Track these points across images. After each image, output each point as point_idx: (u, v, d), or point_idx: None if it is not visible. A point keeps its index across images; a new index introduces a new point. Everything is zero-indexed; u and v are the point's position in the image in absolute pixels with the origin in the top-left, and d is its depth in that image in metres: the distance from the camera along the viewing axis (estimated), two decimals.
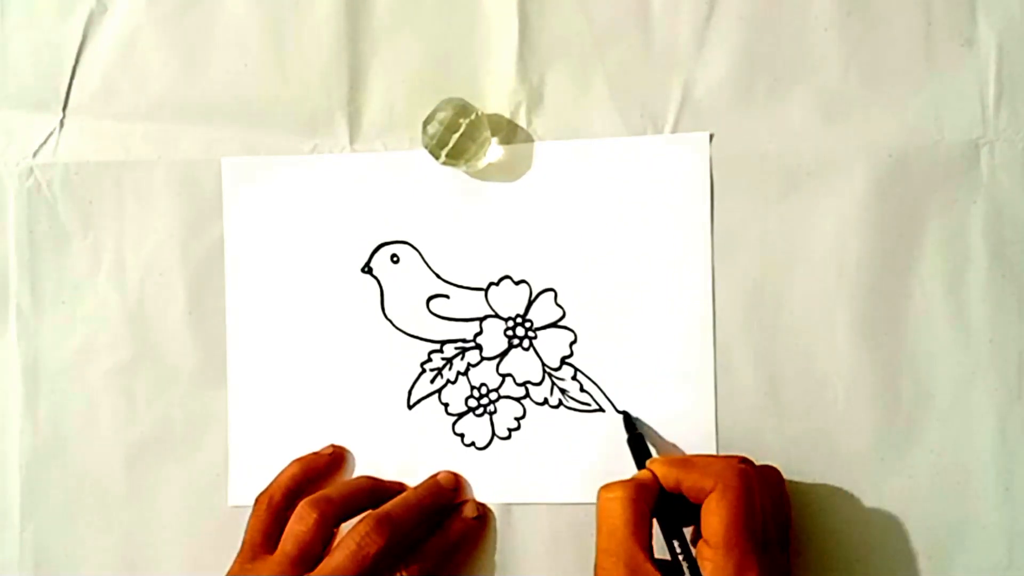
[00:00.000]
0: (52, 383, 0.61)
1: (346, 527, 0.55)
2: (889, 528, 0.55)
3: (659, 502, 0.51)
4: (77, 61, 0.61)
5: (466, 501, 0.58)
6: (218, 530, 0.58)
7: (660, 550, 0.50)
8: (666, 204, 0.57)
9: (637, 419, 0.57)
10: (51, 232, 0.61)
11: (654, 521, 0.51)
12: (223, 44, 0.60)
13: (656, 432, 0.56)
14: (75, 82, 0.61)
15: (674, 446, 0.56)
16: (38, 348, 0.61)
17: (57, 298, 0.61)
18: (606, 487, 0.51)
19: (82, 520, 0.61)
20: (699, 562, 0.48)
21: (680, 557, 0.49)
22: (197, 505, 0.60)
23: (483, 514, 0.58)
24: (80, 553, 0.61)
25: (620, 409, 0.57)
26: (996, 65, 0.55)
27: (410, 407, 0.59)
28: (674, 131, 0.57)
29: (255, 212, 0.60)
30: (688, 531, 0.51)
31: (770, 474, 0.52)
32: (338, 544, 0.53)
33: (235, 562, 0.55)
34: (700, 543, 0.49)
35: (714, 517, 0.48)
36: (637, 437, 0.56)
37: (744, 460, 0.51)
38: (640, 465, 0.54)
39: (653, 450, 0.56)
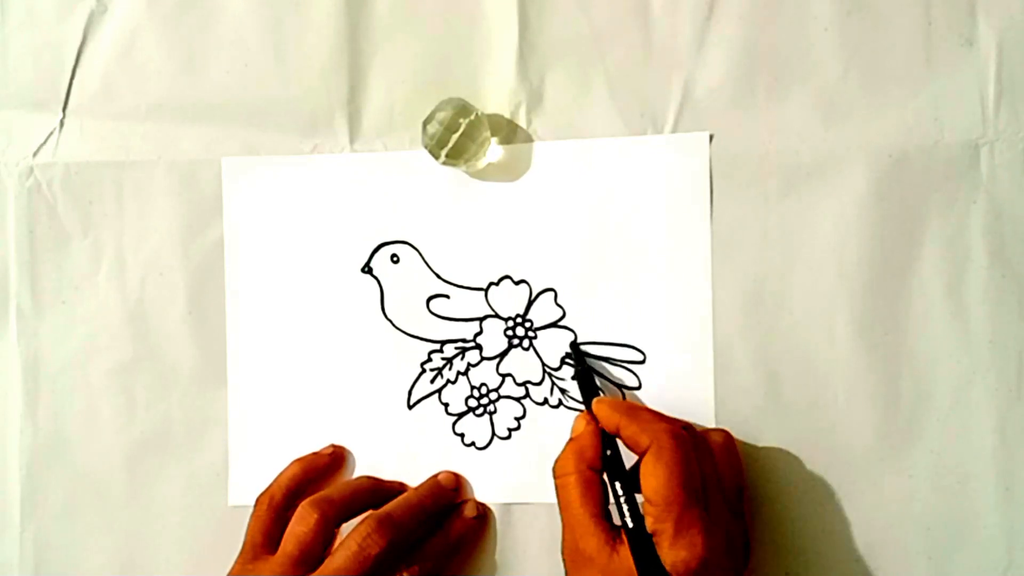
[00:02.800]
0: (52, 383, 0.61)
1: (347, 527, 0.55)
2: (889, 528, 0.55)
3: (604, 447, 0.52)
4: (77, 61, 0.61)
5: (466, 501, 0.58)
6: (218, 530, 0.58)
7: None
8: (666, 204, 0.57)
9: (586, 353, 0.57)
10: (51, 232, 0.61)
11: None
12: (223, 44, 0.60)
13: None
14: (75, 82, 0.61)
15: None
16: (38, 348, 0.61)
17: (57, 298, 0.61)
18: (557, 462, 0.52)
19: (82, 520, 0.61)
20: (645, 518, 0.48)
21: (621, 499, 0.49)
22: (197, 505, 0.60)
23: (483, 514, 0.58)
24: (80, 553, 0.61)
25: (573, 344, 0.57)
26: (996, 65, 0.55)
27: (410, 407, 0.59)
28: (674, 131, 0.57)
29: (255, 212, 0.60)
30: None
31: (716, 437, 0.53)
32: (339, 545, 0.53)
33: (236, 562, 0.55)
34: (643, 501, 0.49)
35: (651, 478, 0.48)
36: (585, 372, 0.56)
37: (687, 426, 0.51)
38: (586, 402, 0.54)
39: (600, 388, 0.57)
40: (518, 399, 0.58)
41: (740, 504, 0.53)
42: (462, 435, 0.58)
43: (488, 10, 0.58)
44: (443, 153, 0.56)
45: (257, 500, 0.57)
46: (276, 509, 0.56)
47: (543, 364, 0.58)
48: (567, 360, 0.57)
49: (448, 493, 0.57)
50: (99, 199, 0.61)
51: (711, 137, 0.57)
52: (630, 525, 0.48)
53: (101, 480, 0.60)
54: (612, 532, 0.49)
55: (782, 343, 0.56)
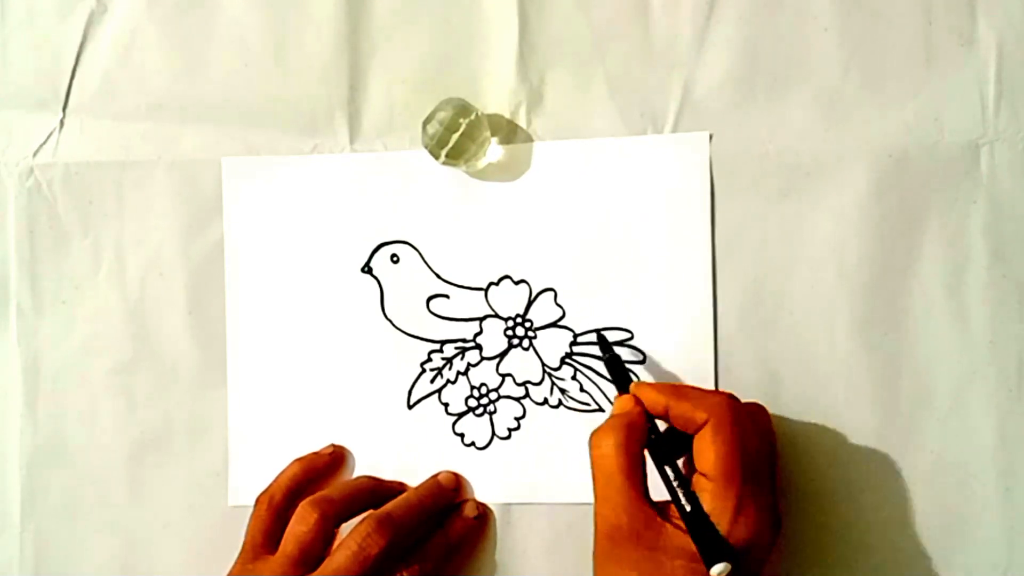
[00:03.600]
0: (52, 383, 0.61)
1: (347, 527, 0.55)
2: (889, 528, 0.55)
3: (647, 436, 0.51)
4: (77, 61, 0.61)
5: (466, 501, 0.58)
6: (218, 530, 0.58)
7: (656, 489, 0.50)
8: (666, 204, 0.57)
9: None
10: (51, 232, 0.61)
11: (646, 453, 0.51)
12: (223, 44, 0.60)
13: None
14: (75, 82, 0.61)
15: None
16: (38, 348, 0.61)
17: (57, 298, 0.61)
18: (596, 434, 0.51)
19: (82, 520, 0.61)
20: (698, 494, 0.48)
21: (675, 484, 0.49)
22: (197, 505, 0.60)
23: (483, 513, 0.58)
24: (80, 553, 0.61)
25: (594, 329, 0.57)
26: (996, 65, 0.55)
27: (410, 407, 0.59)
28: (674, 131, 0.57)
29: (255, 212, 0.60)
30: (679, 462, 0.51)
31: (758, 412, 0.52)
32: (339, 545, 0.53)
33: (236, 562, 0.55)
34: (696, 476, 0.49)
35: (710, 451, 0.48)
36: (615, 358, 0.55)
37: (732, 396, 0.51)
38: (622, 387, 0.54)
39: (633, 374, 0.56)
40: (518, 399, 0.58)
41: (776, 474, 0.53)
42: (462, 435, 0.58)
43: (488, 10, 0.58)
44: (443, 153, 0.56)
45: (257, 500, 0.57)
46: (276, 509, 0.56)
47: (543, 364, 0.58)
48: (589, 354, 0.57)
49: (448, 493, 0.57)
50: (99, 199, 0.61)
51: (711, 137, 0.57)
52: (687, 508, 0.48)
53: (101, 480, 0.60)
54: (657, 509, 0.49)
55: (782, 343, 0.56)
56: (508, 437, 0.58)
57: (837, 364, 0.56)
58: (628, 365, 0.57)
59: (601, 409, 0.57)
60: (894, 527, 0.55)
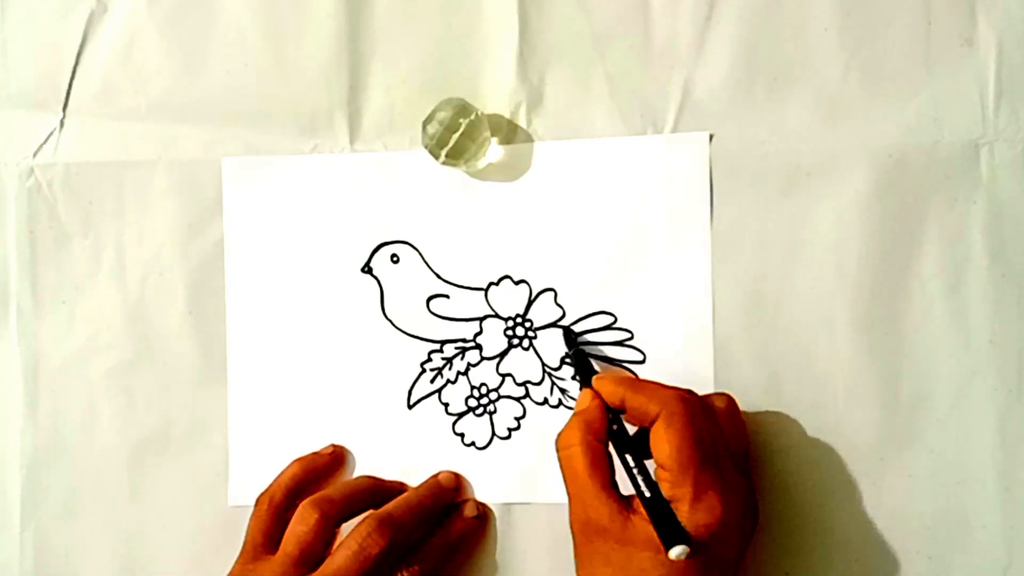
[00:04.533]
0: (52, 383, 0.61)
1: (347, 527, 0.55)
2: (889, 528, 0.55)
3: (609, 428, 0.52)
4: (77, 61, 0.61)
5: (466, 501, 0.58)
6: (218, 530, 0.58)
7: (626, 484, 0.50)
8: (666, 204, 0.57)
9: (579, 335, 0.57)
10: (51, 232, 0.61)
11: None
12: (223, 44, 0.60)
13: None
14: (75, 82, 0.61)
15: None
16: (38, 348, 0.61)
17: (57, 298, 0.61)
18: (561, 435, 0.52)
19: (82, 520, 0.61)
20: (659, 484, 0.49)
21: (635, 471, 0.49)
22: (197, 505, 0.60)
23: (483, 513, 0.58)
24: (80, 553, 0.61)
25: (561, 325, 0.58)
26: (996, 65, 0.55)
27: (410, 407, 0.59)
28: (674, 131, 0.57)
29: (255, 212, 0.60)
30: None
31: (719, 401, 0.53)
32: (340, 545, 0.53)
33: (236, 562, 0.55)
34: (656, 468, 0.49)
35: (664, 444, 0.49)
36: (579, 352, 0.56)
37: (691, 392, 0.52)
38: (585, 381, 0.54)
39: (596, 365, 0.57)
40: (518, 399, 0.58)
41: (747, 465, 0.53)
42: (462, 435, 0.58)
43: (488, 10, 0.58)
44: (443, 153, 0.56)
45: (257, 500, 0.57)
46: (276, 509, 0.56)
47: (543, 364, 0.58)
48: (566, 356, 0.57)
49: (448, 493, 0.57)
50: (99, 199, 0.61)
51: (711, 137, 0.57)
52: (647, 494, 0.48)
53: (101, 480, 0.60)
54: (623, 502, 0.49)
55: (782, 343, 0.56)
56: (508, 437, 0.58)
57: (837, 364, 0.56)
58: (628, 366, 0.57)
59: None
60: (894, 527, 0.55)
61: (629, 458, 0.50)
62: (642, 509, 0.48)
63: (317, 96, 0.60)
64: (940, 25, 0.55)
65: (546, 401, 0.58)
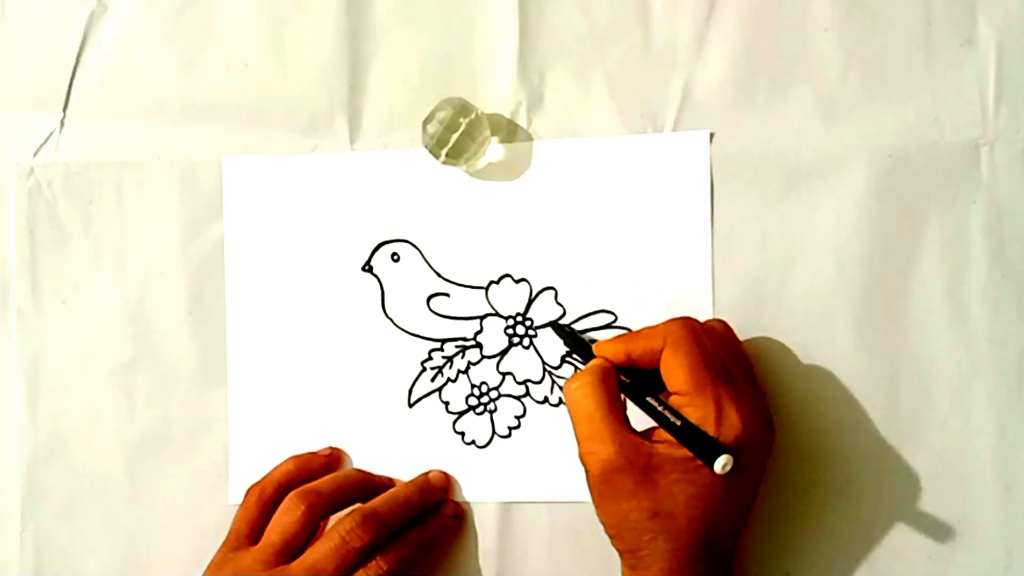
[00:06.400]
0: (52, 383, 0.61)
1: (333, 519, 0.55)
2: (889, 528, 0.55)
3: (620, 382, 0.52)
4: (77, 61, 0.61)
5: (446, 501, 0.58)
6: (219, 529, 0.57)
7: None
8: (666, 203, 0.57)
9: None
10: (51, 232, 0.61)
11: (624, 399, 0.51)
12: (223, 44, 0.60)
13: None
14: (75, 82, 0.61)
15: None
16: (38, 348, 0.61)
17: (57, 298, 0.61)
18: (570, 380, 0.52)
19: (82, 520, 0.61)
20: (681, 412, 0.49)
21: (660, 408, 0.49)
22: (197, 504, 0.60)
23: (459, 514, 0.58)
24: (80, 553, 0.60)
25: (550, 322, 0.58)
26: (996, 65, 0.55)
27: (410, 406, 0.59)
28: (674, 131, 0.57)
29: (255, 212, 0.60)
30: None
31: (716, 325, 0.53)
32: (323, 537, 0.53)
33: (219, 551, 0.55)
34: (672, 397, 0.50)
35: (675, 369, 0.49)
36: (573, 334, 0.56)
37: (687, 317, 0.52)
38: (586, 355, 0.54)
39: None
40: (518, 398, 0.58)
41: (755, 378, 0.53)
42: (462, 433, 0.58)
43: (488, 10, 0.59)
44: (443, 152, 0.56)
45: (247, 491, 0.57)
46: (265, 502, 0.56)
47: (543, 363, 0.58)
48: (566, 347, 0.57)
49: (437, 492, 0.57)
50: (99, 199, 0.61)
51: (711, 136, 0.57)
52: (677, 423, 0.48)
53: (101, 480, 0.60)
54: (643, 435, 0.50)
55: (782, 343, 0.56)
56: (508, 436, 0.58)
57: (837, 364, 0.56)
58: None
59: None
60: (894, 527, 0.55)
61: (651, 399, 0.50)
62: (665, 437, 0.49)
63: (317, 96, 0.60)
64: (940, 25, 0.55)
65: (546, 400, 0.58)
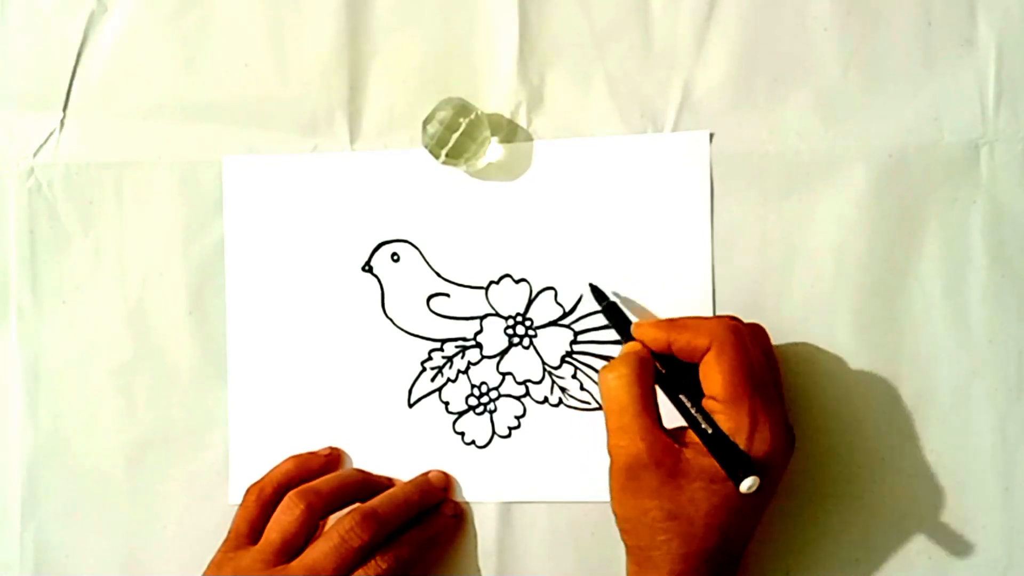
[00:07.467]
0: (52, 383, 0.61)
1: (332, 518, 0.55)
2: (889, 528, 0.55)
3: (655, 371, 0.51)
4: (77, 61, 0.61)
5: (446, 501, 0.58)
6: (219, 529, 0.57)
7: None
8: (666, 203, 0.57)
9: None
10: (51, 232, 0.61)
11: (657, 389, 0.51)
12: (223, 44, 0.60)
13: None
14: (75, 82, 0.61)
15: None
16: (38, 348, 0.61)
17: (57, 298, 0.61)
18: (607, 368, 0.51)
19: (82, 520, 0.61)
20: (713, 417, 0.49)
21: (693, 410, 0.49)
22: (198, 504, 0.60)
23: (459, 513, 0.58)
24: (80, 553, 0.60)
25: (591, 284, 0.57)
26: (996, 65, 0.55)
27: (410, 406, 0.59)
28: (674, 131, 0.57)
29: (255, 212, 0.60)
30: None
31: (758, 331, 0.53)
32: (322, 536, 0.53)
33: (219, 550, 0.55)
34: (706, 400, 0.49)
35: (716, 375, 0.49)
36: (611, 305, 0.56)
37: (733, 318, 0.52)
38: (623, 332, 0.54)
39: (631, 316, 0.56)
40: (518, 398, 0.58)
41: (782, 391, 0.53)
42: (462, 434, 0.58)
43: (488, 10, 0.59)
44: (443, 152, 0.56)
45: (247, 491, 0.57)
46: (264, 502, 0.56)
47: (543, 363, 0.58)
48: (590, 353, 0.57)
49: (437, 492, 0.57)
50: (99, 199, 0.61)
51: (711, 137, 0.57)
52: (708, 430, 0.48)
53: (101, 480, 0.60)
54: (674, 436, 0.50)
55: (782, 343, 0.56)
56: (508, 436, 0.58)
57: (837, 364, 0.56)
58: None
59: (601, 407, 0.57)
60: (894, 527, 0.55)
61: (684, 398, 0.50)
62: (695, 441, 0.49)
63: (317, 96, 0.60)
64: (940, 25, 0.55)
65: (546, 400, 0.58)
